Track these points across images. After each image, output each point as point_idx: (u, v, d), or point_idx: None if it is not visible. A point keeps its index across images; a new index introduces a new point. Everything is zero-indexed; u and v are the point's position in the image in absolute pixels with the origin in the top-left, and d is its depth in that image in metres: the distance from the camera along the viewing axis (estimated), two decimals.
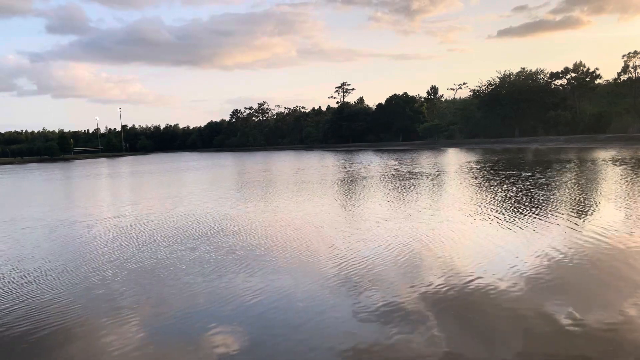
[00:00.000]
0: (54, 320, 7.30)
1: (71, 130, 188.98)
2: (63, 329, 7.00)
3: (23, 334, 6.88)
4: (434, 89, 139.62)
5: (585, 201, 16.72)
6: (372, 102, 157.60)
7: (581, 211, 14.71)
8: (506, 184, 23.12)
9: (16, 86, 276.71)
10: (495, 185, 22.76)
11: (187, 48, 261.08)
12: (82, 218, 17.74)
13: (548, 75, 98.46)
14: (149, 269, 10.02)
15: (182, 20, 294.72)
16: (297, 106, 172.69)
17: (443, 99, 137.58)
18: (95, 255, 11.48)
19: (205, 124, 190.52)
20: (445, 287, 8.09)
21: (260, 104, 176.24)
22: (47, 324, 7.19)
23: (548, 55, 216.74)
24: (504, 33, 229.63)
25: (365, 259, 10.09)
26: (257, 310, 7.42)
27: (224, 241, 12.49)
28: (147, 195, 26.32)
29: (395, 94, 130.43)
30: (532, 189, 20.61)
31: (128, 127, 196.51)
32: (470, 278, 8.49)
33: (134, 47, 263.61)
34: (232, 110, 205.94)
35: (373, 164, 44.91)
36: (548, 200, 17.13)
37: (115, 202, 24.43)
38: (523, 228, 12.61)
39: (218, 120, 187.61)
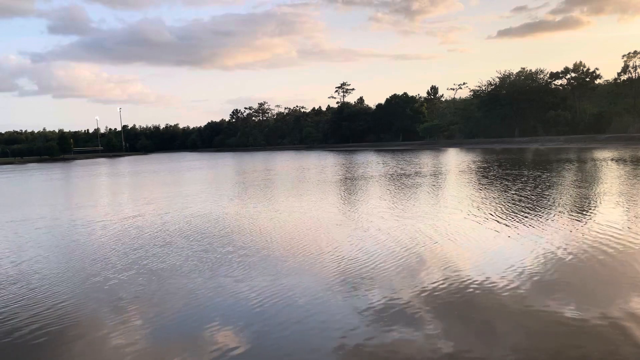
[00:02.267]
0: (65, 319, 7.43)
1: (71, 130, 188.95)
2: (72, 328, 7.12)
3: (30, 332, 7.03)
4: (434, 89, 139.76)
5: (593, 200, 16.89)
6: (372, 102, 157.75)
7: (586, 210, 14.88)
8: (519, 183, 23.26)
9: (17, 86, 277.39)
10: (507, 185, 22.89)
11: (188, 48, 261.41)
12: (98, 218, 17.84)
13: (548, 75, 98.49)
14: (164, 269, 10.18)
15: (183, 20, 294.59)
16: (297, 106, 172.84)
17: (443, 99, 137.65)
18: (115, 256, 11.63)
19: (206, 124, 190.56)
20: (448, 286, 8.20)
21: (261, 104, 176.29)
22: (58, 322, 7.31)
23: (548, 56, 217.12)
24: (503, 33, 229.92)
25: (373, 258, 10.24)
26: (262, 309, 7.50)
27: (241, 241, 12.65)
28: (158, 194, 26.29)
29: (395, 94, 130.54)
30: (546, 188, 20.81)
31: (128, 127, 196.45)
32: (474, 277, 8.59)
33: (135, 47, 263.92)
34: (232, 110, 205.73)
35: (379, 164, 44.94)
36: (558, 200, 17.32)
37: (128, 201, 24.38)
38: (532, 226, 12.77)
39: (218, 120, 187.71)
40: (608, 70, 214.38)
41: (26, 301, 8.36)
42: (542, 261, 9.40)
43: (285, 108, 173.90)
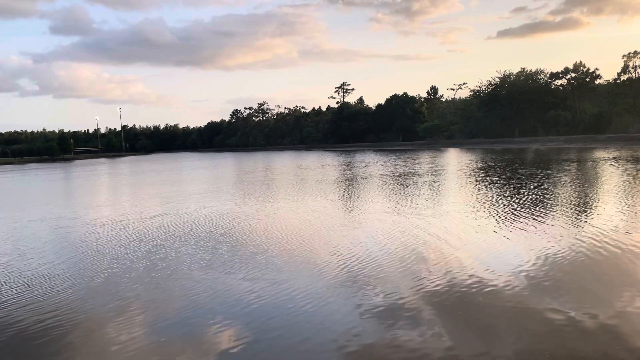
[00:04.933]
0: (80, 319, 7.53)
1: (71, 130, 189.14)
2: (88, 327, 7.22)
3: (37, 330, 7.16)
4: (434, 89, 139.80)
5: (601, 200, 17.07)
6: (372, 102, 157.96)
7: (593, 210, 15.02)
8: (534, 181, 23.39)
9: (18, 86, 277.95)
10: (522, 183, 22.98)
11: (189, 49, 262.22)
12: (120, 217, 17.87)
13: (548, 76, 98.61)
14: (179, 270, 10.34)
15: (185, 21, 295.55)
16: (297, 106, 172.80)
17: (443, 99, 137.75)
18: (136, 257, 11.83)
19: (206, 124, 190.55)
20: (451, 286, 8.24)
21: (261, 104, 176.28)
22: (73, 322, 7.40)
23: (548, 56, 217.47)
24: (503, 34, 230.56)
25: (376, 257, 10.32)
26: (264, 308, 7.57)
27: (253, 241, 12.90)
28: (172, 193, 26.19)
29: (395, 94, 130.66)
30: (561, 186, 20.98)
31: (128, 127, 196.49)
32: (476, 277, 8.63)
33: (136, 47, 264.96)
34: (232, 110, 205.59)
35: (388, 164, 45.03)
36: (573, 199, 17.52)
37: (143, 200, 24.14)
38: (545, 225, 12.92)
39: (218, 121, 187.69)
40: (608, 70, 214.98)
41: (38, 301, 8.44)
42: (546, 261, 9.40)
43: (285, 108, 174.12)
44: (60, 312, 7.77)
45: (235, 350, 6.18)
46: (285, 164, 54.65)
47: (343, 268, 9.54)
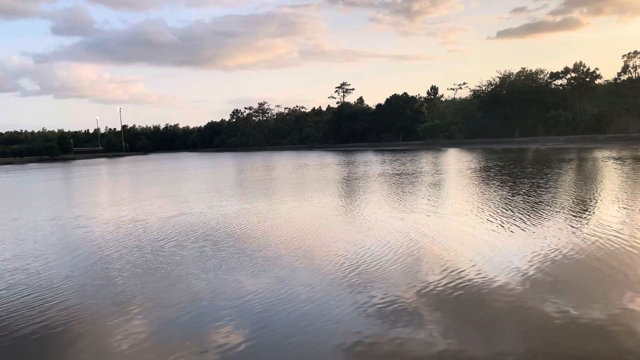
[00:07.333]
0: (90, 317, 7.68)
1: (72, 130, 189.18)
2: (92, 323, 7.41)
3: (39, 329, 7.31)
4: (434, 89, 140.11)
5: (604, 199, 17.16)
6: (372, 102, 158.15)
7: (596, 209, 15.16)
8: (548, 180, 23.57)
9: (19, 86, 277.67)
10: (535, 182, 23.14)
11: (190, 49, 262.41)
12: (138, 217, 17.96)
13: (548, 75, 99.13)
14: (193, 270, 10.56)
15: (185, 21, 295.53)
16: (297, 106, 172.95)
17: (443, 99, 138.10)
18: (155, 257, 12.06)
19: (206, 124, 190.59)
20: (451, 285, 8.34)
21: (261, 104, 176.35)
22: (83, 320, 7.55)
23: (548, 56, 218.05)
24: (503, 34, 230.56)
25: (377, 257, 10.44)
26: (266, 308, 7.69)
27: (258, 241, 13.13)
28: (183, 192, 26.30)
29: (395, 94, 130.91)
30: (575, 186, 21.16)
31: (128, 127, 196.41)
32: (477, 276, 8.75)
33: (137, 48, 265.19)
34: (232, 110, 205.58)
35: (391, 163, 45.17)
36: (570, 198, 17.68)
37: (157, 200, 24.01)
38: (551, 224, 13.11)
39: (218, 121, 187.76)
40: (608, 70, 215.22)
41: (51, 301, 8.52)
42: (546, 260, 9.55)
43: (285, 108, 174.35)
44: (73, 313, 7.83)
45: (236, 350, 6.28)
46: (287, 164, 54.78)
47: (344, 268, 9.59)
